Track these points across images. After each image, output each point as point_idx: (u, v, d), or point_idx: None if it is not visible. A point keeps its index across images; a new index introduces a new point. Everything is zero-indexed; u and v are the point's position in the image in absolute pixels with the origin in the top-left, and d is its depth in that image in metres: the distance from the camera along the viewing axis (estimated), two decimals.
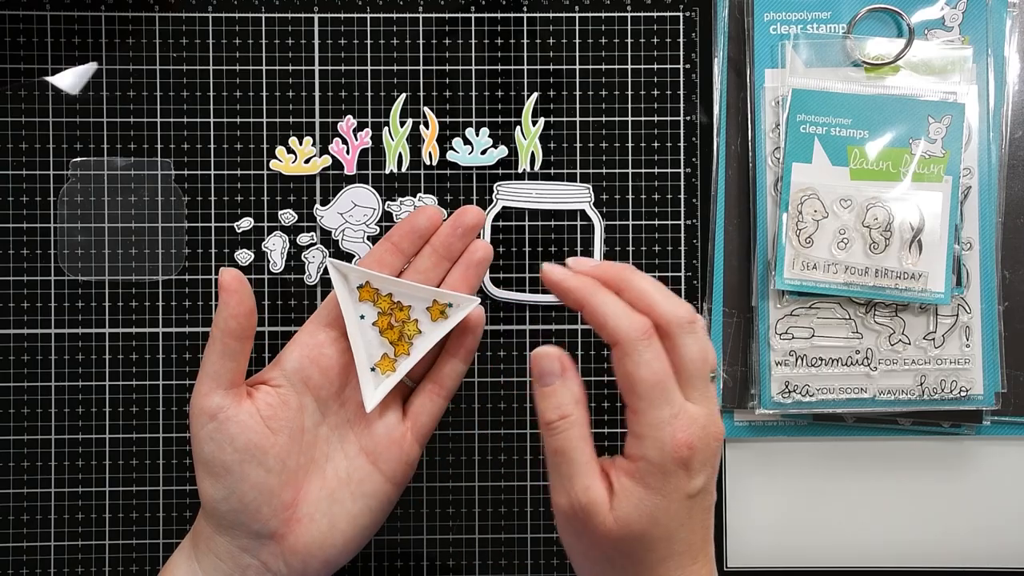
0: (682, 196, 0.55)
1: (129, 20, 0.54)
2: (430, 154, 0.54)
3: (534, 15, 0.55)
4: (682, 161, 0.55)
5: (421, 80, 0.55)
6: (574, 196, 0.54)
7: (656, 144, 0.55)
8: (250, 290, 0.45)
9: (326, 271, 0.54)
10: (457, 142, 0.54)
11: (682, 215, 0.55)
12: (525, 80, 0.55)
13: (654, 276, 0.55)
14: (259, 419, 0.45)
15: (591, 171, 0.55)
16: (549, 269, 0.44)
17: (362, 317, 0.48)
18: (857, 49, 0.53)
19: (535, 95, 0.54)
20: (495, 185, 0.54)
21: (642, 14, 0.55)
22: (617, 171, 0.55)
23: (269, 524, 0.44)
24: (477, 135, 0.54)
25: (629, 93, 0.55)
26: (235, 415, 0.44)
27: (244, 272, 0.54)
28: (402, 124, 0.55)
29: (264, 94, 0.54)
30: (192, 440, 0.45)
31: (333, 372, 0.47)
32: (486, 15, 0.55)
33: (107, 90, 0.54)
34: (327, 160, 0.54)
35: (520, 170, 0.55)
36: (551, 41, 0.55)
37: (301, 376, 0.46)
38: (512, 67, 0.55)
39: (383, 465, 0.47)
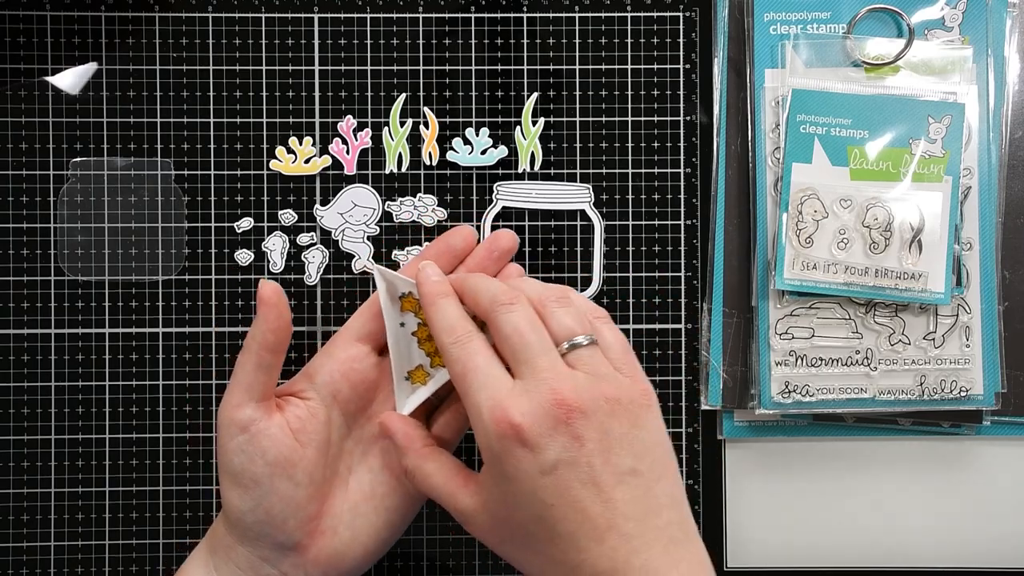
0: (682, 196, 0.55)
1: (129, 20, 0.54)
2: (430, 154, 0.54)
3: (534, 15, 0.55)
4: (682, 161, 0.55)
5: (421, 80, 0.55)
6: (574, 196, 0.54)
7: (656, 144, 0.55)
8: (287, 304, 0.45)
9: (327, 270, 0.54)
10: (457, 142, 0.54)
11: (682, 215, 0.55)
12: (525, 80, 0.55)
13: (654, 276, 0.55)
14: (289, 432, 0.44)
15: (591, 171, 0.54)
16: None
17: (402, 325, 0.48)
18: (857, 49, 0.53)
19: (535, 95, 0.54)
20: (495, 185, 0.54)
21: (642, 14, 0.55)
22: (617, 171, 0.55)
23: (293, 536, 0.44)
24: (477, 135, 0.55)
25: (629, 93, 0.55)
26: (266, 428, 0.44)
27: (244, 272, 0.54)
28: (402, 124, 0.55)
29: (264, 94, 0.54)
30: (219, 451, 0.44)
31: (363, 387, 0.47)
32: (486, 15, 0.55)
33: (107, 90, 0.54)
34: (327, 160, 0.54)
35: (520, 170, 0.55)
36: (551, 41, 0.55)
37: (331, 390, 0.46)
38: (512, 67, 0.55)
39: (407, 481, 0.47)
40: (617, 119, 0.55)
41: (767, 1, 0.54)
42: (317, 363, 0.47)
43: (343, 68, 0.55)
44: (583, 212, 0.55)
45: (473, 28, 0.55)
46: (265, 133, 0.54)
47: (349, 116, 0.54)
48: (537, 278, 0.54)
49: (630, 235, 0.55)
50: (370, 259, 0.54)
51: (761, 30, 0.54)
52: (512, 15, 0.55)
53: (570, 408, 0.39)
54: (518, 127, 0.55)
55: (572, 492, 0.38)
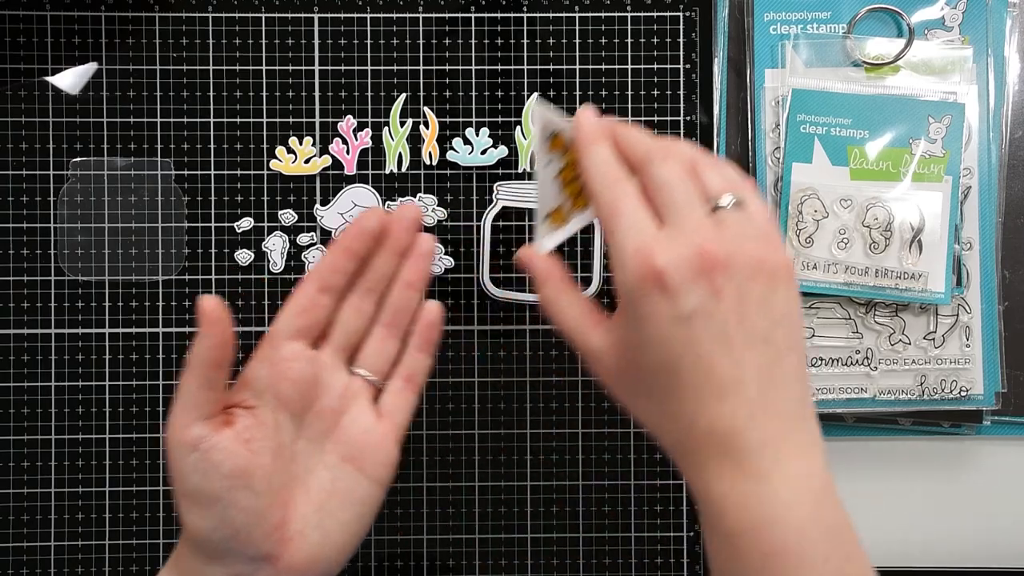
0: None
1: (129, 20, 0.54)
2: (430, 154, 0.54)
3: (534, 15, 0.55)
4: None
5: (421, 80, 0.55)
6: None
7: None
8: (229, 317, 0.44)
9: None
10: (457, 142, 0.54)
11: None
12: (525, 80, 0.55)
13: None
14: (240, 442, 0.43)
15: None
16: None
17: (548, 164, 0.47)
18: (857, 49, 0.53)
19: (535, 95, 0.54)
20: (495, 185, 0.54)
21: (642, 14, 0.55)
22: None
23: (262, 547, 0.43)
24: (477, 135, 0.55)
25: (629, 93, 0.55)
26: (217, 442, 0.43)
27: (244, 272, 0.54)
28: (402, 124, 0.55)
29: (264, 94, 0.54)
30: (174, 474, 0.43)
31: (304, 385, 0.45)
32: (486, 15, 0.55)
33: (107, 90, 0.54)
34: (327, 160, 0.54)
35: (520, 170, 0.55)
36: (551, 41, 0.55)
37: (273, 394, 0.45)
38: (512, 67, 0.55)
39: (369, 469, 0.46)
40: (617, 119, 0.55)
41: (767, 1, 0.54)
42: (253, 369, 0.46)
43: (343, 68, 0.55)
44: None
45: (473, 28, 0.55)
46: (265, 133, 0.54)
47: (349, 116, 0.54)
48: None
49: None
50: (537, 96, 0.52)
51: (761, 30, 0.54)
52: (512, 15, 0.55)
53: (715, 261, 0.39)
54: (518, 127, 0.55)
55: (703, 345, 0.39)
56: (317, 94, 0.54)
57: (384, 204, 0.54)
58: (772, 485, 0.39)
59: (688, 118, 0.55)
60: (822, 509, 0.41)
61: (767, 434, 0.39)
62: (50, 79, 0.54)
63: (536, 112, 0.47)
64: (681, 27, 0.55)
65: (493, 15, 0.55)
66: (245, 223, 0.54)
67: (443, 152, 0.54)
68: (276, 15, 0.54)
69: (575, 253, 0.55)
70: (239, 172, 0.54)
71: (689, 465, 0.41)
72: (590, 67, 0.55)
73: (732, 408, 0.39)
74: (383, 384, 0.48)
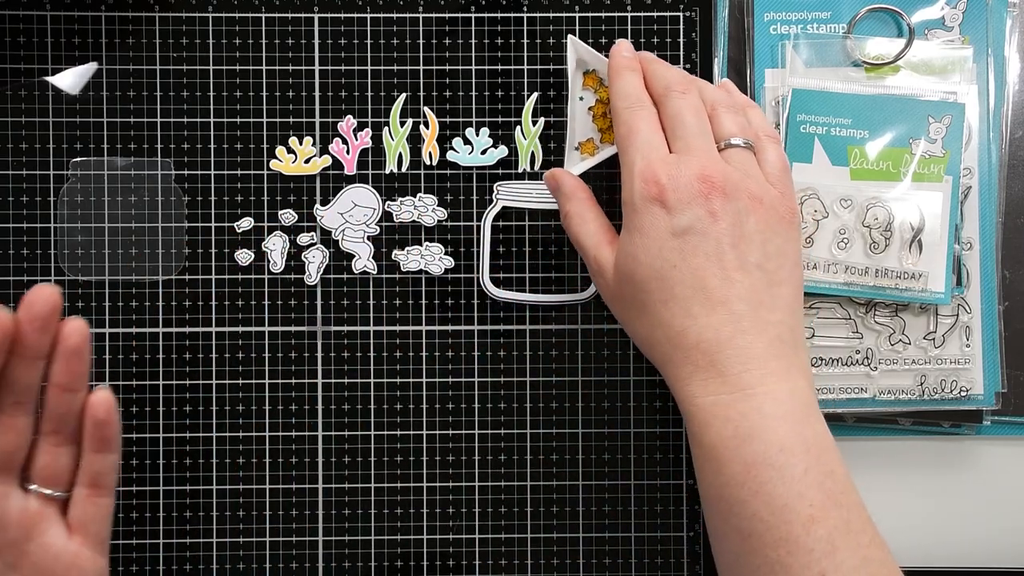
0: None
1: (129, 20, 0.54)
2: (430, 154, 0.54)
3: (534, 15, 0.55)
4: None
5: (421, 80, 0.55)
6: None
7: None
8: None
9: (327, 270, 0.54)
10: (457, 142, 0.54)
11: None
12: (525, 80, 0.55)
13: None
14: None
15: (591, 171, 0.54)
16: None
17: (581, 99, 0.52)
18: (857, 49, 0.53)
19: (535, 95, 0.54)
20: (495, 185, 0.54)
21: (642, 14, 0.55)
22: (617, 171, 0.55)
23: None
24: (477, 135, 0.54)
25: None
26: None
27: (244, 272, 0.54)
28: (402, 124, 0.55)
29: (264, 94, 0.54)
30: None
31: (8, 525, 0.40)
32: (486, 15, 0.55)
33: (107, 90, 0.54)
34: (327, 160, 0.54)
35: (520, 170, 0.55)
36: (551, 41, 0.55)
37: None
38: (512, 67, 0.55)
39: None
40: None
41: (767, 1, 0.54)
42: None
43: (343, 68, 0.55)
44: None
45: (473, 28, 0.55)
46: (265, 133, 0.54)
47: (349, 116, 0.54)
48: (537, 278, 0.55)
49: None
50: (573, 35, 0.54)
51: (761, 30, 0.54)
52: (512, 15, 0.55)
53: (713, 185, 0.42)
54: (518, 127, 0.55)
55: (696, 259, 0.41)
56: (317, 94, 0.54)
57: (384, 204, 0.55)
58: (756, 400, 0.41)
59: None
60: (804, 426, 0.42)
61: (753, 351, 0.41)
62: (50, 79, 0.54)
63: (570, 45, 0.52)
64: (681, 27, 0.55)
65: (493, 15, 0.55)
66: (245, 223, 0.54)
67: (443, 152, 0.54)
68: (276, 15, 0.54)
69: (575, 253, 0.55)
70: (239, 172, 0.54)
71: (677, 378, 0.42)
72: None
73: (719, 320, 0.41)
74: (67, 495, 0.42)
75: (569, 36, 0.52)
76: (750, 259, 0.42)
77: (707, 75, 0.55)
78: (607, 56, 0.50)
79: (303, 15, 0.54)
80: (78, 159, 0.54)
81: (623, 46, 0.49)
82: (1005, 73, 0.54)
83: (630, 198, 0.43)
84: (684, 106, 0.45)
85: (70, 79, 0.54)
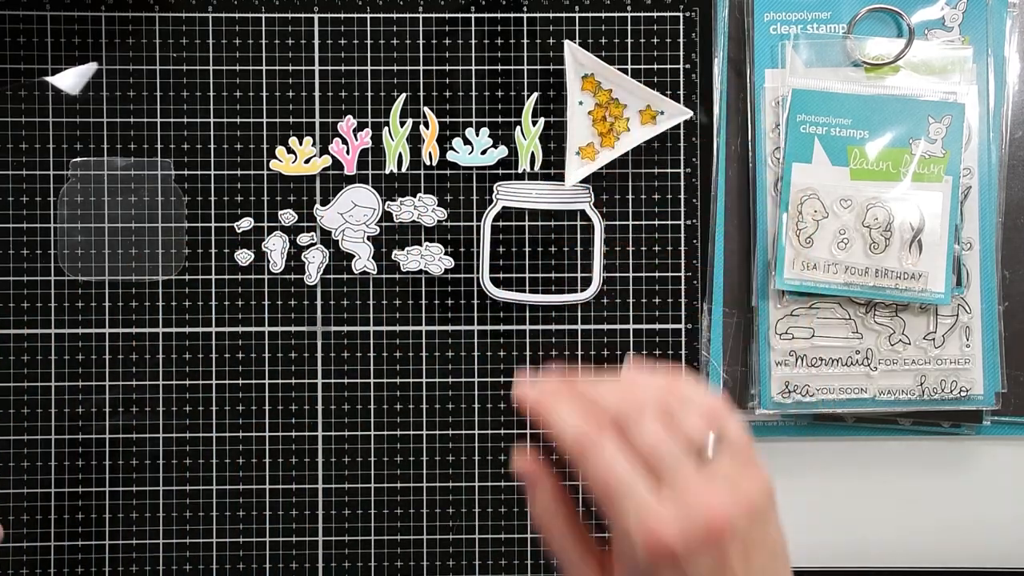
0: (682, 196, 0.55)
1: (129, 20, 0.54)
2: (430, 154, 0.54)
3: (534, 15, 0.55)
4: (682, 161, 0.55)
5: (421, 80, 0.55)
6: (574, 196, 0.54)
7: (656, 144, 0.55)
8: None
9: (327, 271, 0.54)
10: (457, 142, 0.54)
11: (682, 215, 0.55)
12: (525, 80, 0.55)
13: (654, 276, 0.55)
14: None
15: (592, 175, 0.54)
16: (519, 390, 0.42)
17: (580, 103, 0.52)
18: (857, 49, 0.53)
19: (535, 95, 0.54)
20: (495, 185, 0.54)
21: (642, 14, 0.55)
22: (617, 171, 0.55)
23: None
24: (477, 135, 0.54)
25: None
26: None
27: (244, 272, 0.54)
28: (402, 124, 0.55)
29: (264, 94, 0.54)
30: None
31: None
32: (486, 15, 0.55)
33: (107, 90, 0.54)
34: (327, 160, 0.54)
35: (520, 170, 0.55)
36: (551, 41, 0.55)
37: None
38: (512, 67, 0.55)
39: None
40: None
41: (767, 1, 0.54)
42: None
43: (343, 68, 0.54)
44: (583, 212, 0.55)
45: (473, 28, 0.55)
46: (265, 133, 0.54)
47: (349, 116, 0.54)
48: (537, 278, 0.55)
49: (630, 235, 0.55)
50: (571, 39, 0.54)
51: (761, 30, 0.54)
52: (512, 15, 0.55)
53: (721, 528, 0.39)
54: (518, 127, 0.55)
55: None
56: (317, 94, 0.54)
57: (384, 204, 0.54)
58: None
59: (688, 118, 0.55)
60: None
61: None
62: (50, 79, 0.54)
63: (569, 52, 0.52)
64: (681, 27, 0.55)
65: (493, 15, 0.55)
66: (245, 223, 0.54)
67: (443, 152, 0.54)
68: (276, 15, 0.54)
69: (575, 253, 0.55)
70: (239, 172, 0.54)
71: None
72: None
73: None
74: None
75: (567, 41, 0.52)
76: (758, 569, 0.41)
77: (707, 75, 0.55)
78: (605, 60, 0.51)
79: (303, 15, 0.54)
80: (78, 159, 0.54)
81: (522, 388, 0.42)
82: (1005, 73, 0.54)
83: (635, 561, 0.40)
84: (652, 435, 0.41)
85: (70, 79, 0.54)
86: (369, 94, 0.55)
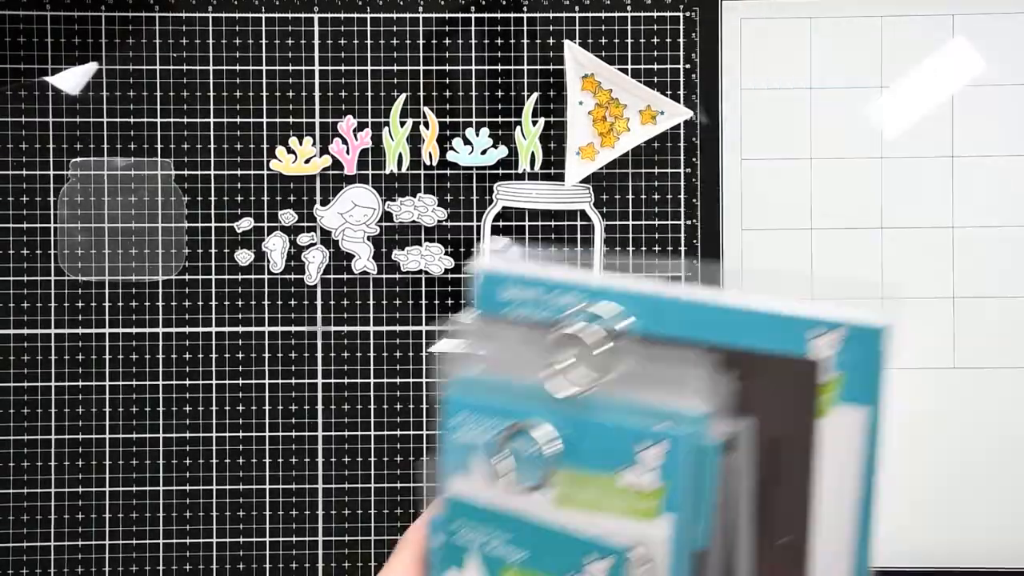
0: (682, 196, 0.55)
1: (129, 20, 0.54)
2: (430, 154, 0.54)
3: (534, 15, 0.55)
4: (682, 161, 0.55)
5: (421, 80, 0.55)
6: (574, 196, 0.54)
7: (656, 144, 0.55)
8: None
9: (327, 271, 0.54)
10: (457, 142, 0.54)
11: (682, 215, 0.55)
12: (525, 80, 0.55)
13: (654, 276, 0.55)
14: None
15: (592, 175, 0.54)
16: None
17: (580, 103, 0.53)
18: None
19: (535, 95, 0.54)
20: (495, 185, 0.54)
21: (642, 14, 0.55)
22: (617, 171, 0.55)
23: None
24: (477, 135, 0.54)
25: None
26: None
27: (244, 272, 0.54)
28: (402, 124, 0.55)
29: (264, 94, 0.54)
30: None
31: None
32: (486, 15, 0.55)
33: (107, 90, 0.54)
34: (327, 160, 0.54)
35: (520, 170, 0.55)
36: (551, 41, 0.55)
37: None
38: (512, 67, 0.55)
39: None
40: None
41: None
42: None
43: (343, 68, 0.54)
44: (583, 212, 0.55)
45: (473, 28, 0.55)
46: (265, 133, 0.54)
47: (349, 116, 0.54)
48: None
49: (630, 235, 0.55)
50: (569, 40, 0.54)
51: None
52: (512, 15, 0.55)
53: None
54: (518, 127, 0.55)
55: None
56: (317, 94, 0.54)
57: (384, 204, 0.54)
58: None
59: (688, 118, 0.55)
60: None
61: None
62: (50, 79, 0.54)
63: (569, 53, 0.52)
64: (681, 27, 0.55)
65: (493, 15, 0.55)
66: (245, 223, 0.54)
67: (443, 152, 0.54)
68: (276, 15, 0.54)
69: (575, 254, 0.55)
70: (239, 172, 0.54)
71: None
72: None
73: None
74: None
75: (567, 41, 0.52)
76: None
77: (707, 75, 0.55)
78: (605, 60, 0.51)
79: (303, 15, 0.54)
80: (78, 159, 0.54)
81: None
82: None
83: None
84: None
85: (70, 79, 0.54)
86: (369, 94, 0.55)
